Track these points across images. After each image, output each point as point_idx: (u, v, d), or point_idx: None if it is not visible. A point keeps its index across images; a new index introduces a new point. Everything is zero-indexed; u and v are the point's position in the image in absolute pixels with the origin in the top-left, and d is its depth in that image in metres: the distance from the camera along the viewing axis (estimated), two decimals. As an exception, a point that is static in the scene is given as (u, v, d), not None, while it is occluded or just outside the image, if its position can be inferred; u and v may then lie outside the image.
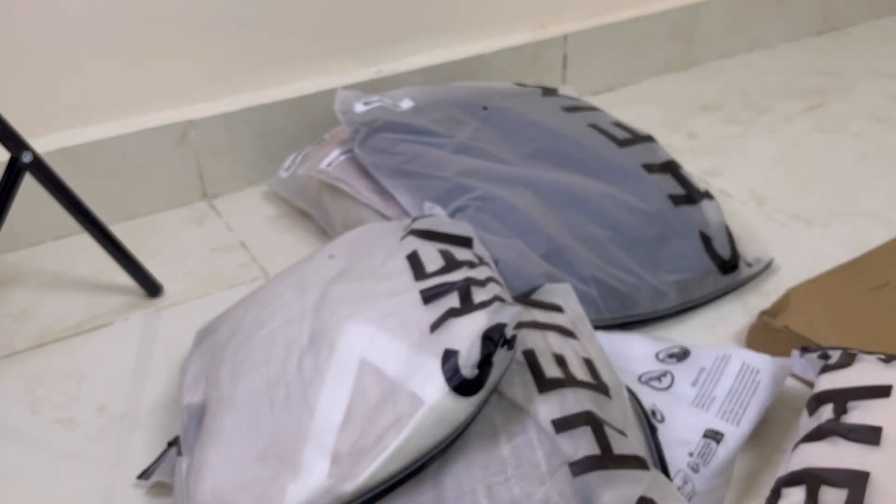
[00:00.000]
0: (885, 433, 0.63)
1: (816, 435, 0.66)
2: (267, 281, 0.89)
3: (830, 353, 0.76)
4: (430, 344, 0.64)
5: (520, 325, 0.70)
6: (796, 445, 0.68)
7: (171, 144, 1.14)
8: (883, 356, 0.73)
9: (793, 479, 0.64)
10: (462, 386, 0.61)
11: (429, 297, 0.69)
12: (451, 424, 0.62)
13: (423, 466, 0.62)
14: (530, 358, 0.68)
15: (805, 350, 0.80)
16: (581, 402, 0.66)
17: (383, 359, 0.65)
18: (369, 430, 0.62)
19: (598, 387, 0.70)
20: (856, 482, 0.61)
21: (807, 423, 0.70)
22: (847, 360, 0.73)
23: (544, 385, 0.66)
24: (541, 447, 0.63)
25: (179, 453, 0.70)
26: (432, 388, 0.62)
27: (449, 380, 0.61)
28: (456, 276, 0.71)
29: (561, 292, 0.83)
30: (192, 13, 1.11)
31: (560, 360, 0.70)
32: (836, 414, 0.68)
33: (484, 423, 0.64)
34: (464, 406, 0.62)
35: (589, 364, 0.72)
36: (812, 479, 0.62)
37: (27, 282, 1.03)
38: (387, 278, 0.73)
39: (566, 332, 0.75)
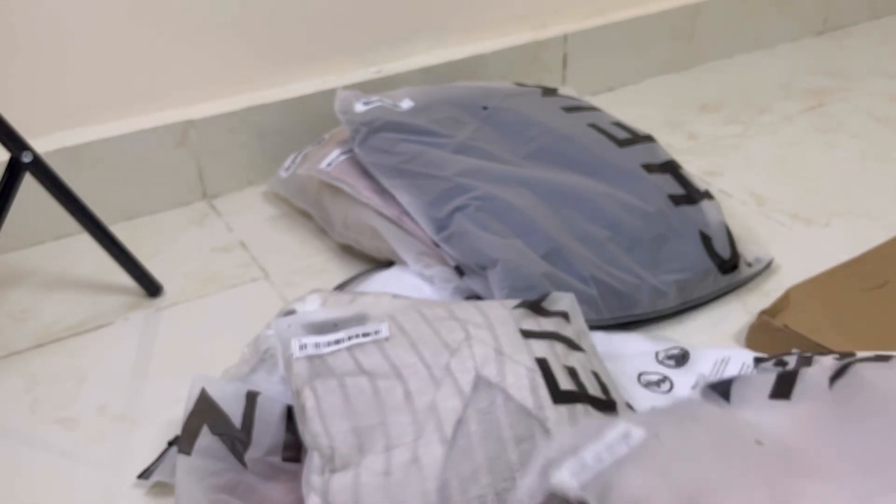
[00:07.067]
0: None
1: None
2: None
3: (786, 359, 0.76)
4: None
5: (529, 335, 0.70)
6: None
7: (171, 144, 1.14)
8: (837, 356, 0.73)
9: None
10: None
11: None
12: None
13: None
14: (544, 366, 0.68)
15: (759, 361, 0.80)
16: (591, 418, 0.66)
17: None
18: None
19: (608, 403, 0.70)
20: None
21: None
22: (805, 364, 0.73)
23: (559, 397, 0.66)
24: None
25: (186, 452, 0.70)
26: None
27: None
28: None
29: (567, 302, 0.82)
30: (191, 13, 1.11)
31: (572, 372, 0.70)
32: None
33: (490, 424, 0.64)
34: None
35: (597, 378, 0.72)
36: None
37: (27, 282, 1.03)
38: None
39: (573, 345, 0.75)
